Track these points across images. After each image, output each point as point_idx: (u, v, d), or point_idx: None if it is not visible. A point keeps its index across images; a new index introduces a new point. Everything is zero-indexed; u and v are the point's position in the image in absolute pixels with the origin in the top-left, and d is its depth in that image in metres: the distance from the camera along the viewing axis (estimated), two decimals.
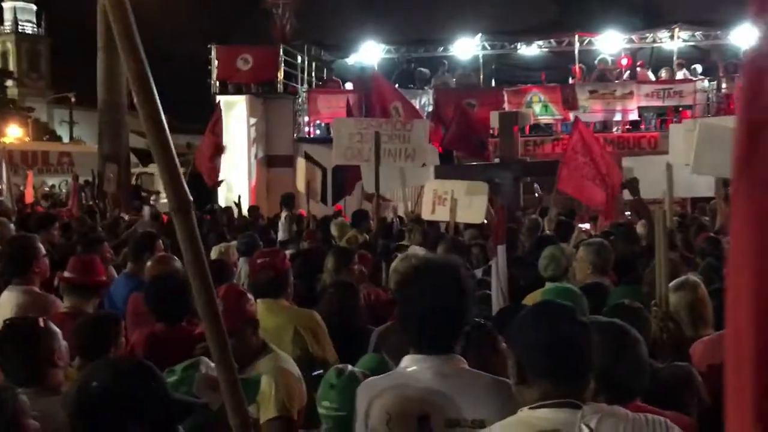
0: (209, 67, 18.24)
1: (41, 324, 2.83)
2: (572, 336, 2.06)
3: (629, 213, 10.45)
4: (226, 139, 13.02)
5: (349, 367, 2.72)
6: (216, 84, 18.10)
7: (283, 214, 10.68)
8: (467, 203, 7.91)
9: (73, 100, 45.53)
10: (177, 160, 1.54)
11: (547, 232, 8.23)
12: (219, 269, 5.27)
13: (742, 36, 17.92)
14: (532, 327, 2.11)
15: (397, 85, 17.05)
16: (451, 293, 2.34)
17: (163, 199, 19.93)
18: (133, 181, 17.68)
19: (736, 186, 1.28)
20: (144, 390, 2.00)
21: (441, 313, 2.31)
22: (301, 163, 12.68)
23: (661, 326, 3.59)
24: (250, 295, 3.26)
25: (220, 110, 12.63)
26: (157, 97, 1.47)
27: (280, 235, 9.81)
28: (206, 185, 15.57)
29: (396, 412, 2.21)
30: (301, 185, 11.89)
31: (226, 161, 12.90)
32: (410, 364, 2.35)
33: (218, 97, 16.69)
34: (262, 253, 4.37)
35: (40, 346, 2.77)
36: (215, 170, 12.05)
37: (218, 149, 12.10)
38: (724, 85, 17.22)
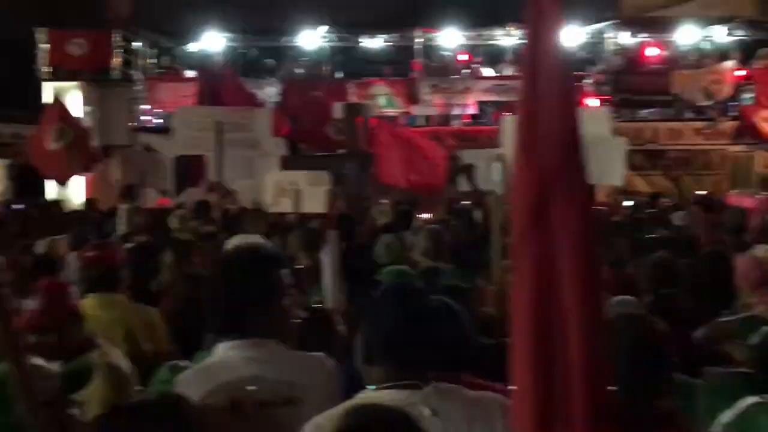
0: (34, 51, 17.05)
1: None
2: (418, 318, 2.11)
3: (468, 201, 10.91)
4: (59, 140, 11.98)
5: (183, 363, 2.70)
6: (45, 70, 16.96)
7: (123, 206, 10.19)
8: (310, 193, 7.95)
9: None
10: None
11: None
12: (45, 264, 4.98)
13: (569, 36, 19.13)
14: (379, 308, 2.16)
15: (243, 76, 16.79)
16: (252, 277, 2.35)
17: None
18: None
19: (518, 243, 1.39)
20: None
21: (242, 297, 2.32)
22: (123, 155, 12.07)
23: (496, 305, 3.79)
24: (73, 289, 3.12)
25: (63, 108, 10.99)
26: None
27: (120, 228, 9.37)
28: (36, 176, 14.54)
29: (210, 402, 2.20)
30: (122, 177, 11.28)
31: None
32: (221, 351, 2.35)
33: (45, 84, 15.67)
34: (93, 245, 4.19)
35: None
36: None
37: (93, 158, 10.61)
38: None
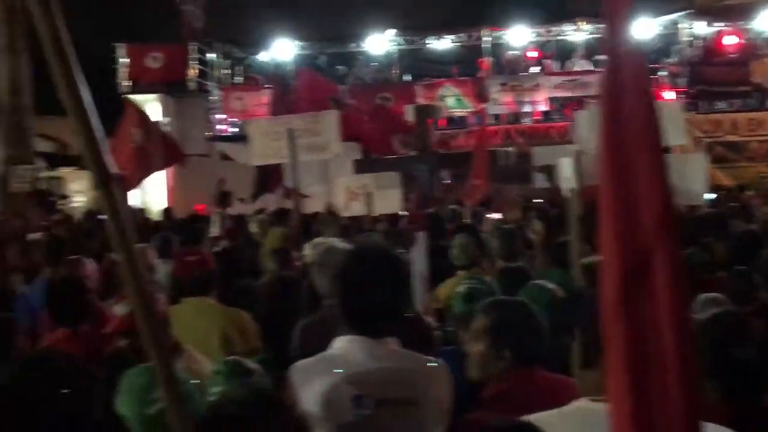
0: (115, 66, 17.72)
1: None
2: None
3: (540, 200, 10.81)
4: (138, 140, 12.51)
5: (238, 357, 2.81)
6: (125, 84, 17.61)
7: (217, 211, 10.50)
8: (381, 195, 8.00)
9: None
10: (96, 135, 1.52)
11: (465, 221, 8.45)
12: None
13: (642, 28, 18.72)
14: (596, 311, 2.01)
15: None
16: (391, 278, 2.38)
17: (73, 203, 19.21)
18: (41, 186, 16.96)
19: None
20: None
21: (382, 298, 2.35)
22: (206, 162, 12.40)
23: None
24: (160, 294, 3.23)
25: (138, 110, 11.60)
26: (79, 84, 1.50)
27: (213, 232, 9.67)
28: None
29: (329, 394, 2.24)
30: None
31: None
32: (342, 345, 2.38)
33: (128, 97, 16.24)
34: (188, 251, 4.34)
35: None
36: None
37: (176, 158, 11.25)
38: None
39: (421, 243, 4.07)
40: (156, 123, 11.09)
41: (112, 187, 1.54)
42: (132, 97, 16.77)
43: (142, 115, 11.07)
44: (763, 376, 2.52)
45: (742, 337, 2.60)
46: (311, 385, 2.25)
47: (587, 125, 10.05)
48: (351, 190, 8.65)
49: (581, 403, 1.93)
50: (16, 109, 14.21)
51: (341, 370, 2.29)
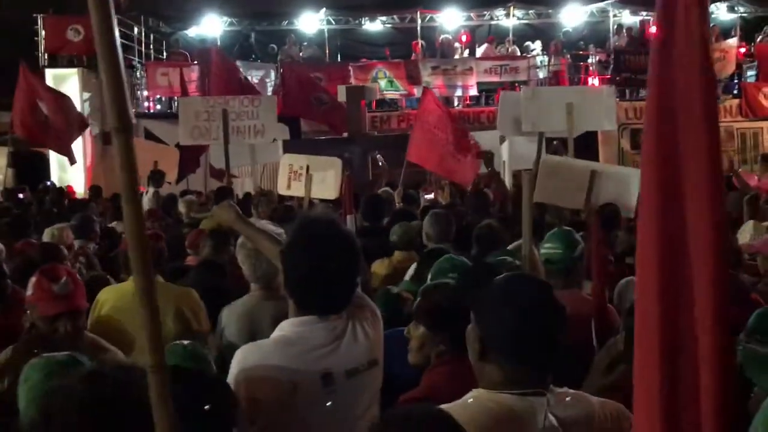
0: (35, 38, 16.91)
1: None
2: (544, 317, 1.88)
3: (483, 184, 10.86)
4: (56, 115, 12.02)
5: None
6: (45, 57, 16.83)
7: (150, 190, 10.11)
8: (321, 179, 7.87)
9: None
10: (124, 79, 1.47)
11: (398, 204, 8.40)
12: (51, 251, 4.95)
13: (571, 15, 19.10)
14: (502, 303, 1.91)
15: (238, 60, 16.68)
16: (343, 251, 2.28)
17: None
18: None
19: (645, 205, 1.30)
20: None
21: (335, 273, 2.25)
22: (140, 143, 12.09)
23: None
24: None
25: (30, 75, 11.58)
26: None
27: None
28: (39, 164, 14.47)
29: (299, 377, 2.17)
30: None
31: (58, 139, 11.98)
32: (298, 326, 2.28)
33: (47, 71, 15.61)
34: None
35: None
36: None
37: (82, 125, 11.36)
38: (553, 61, 18.26)
39: (351, 226, 4.01)
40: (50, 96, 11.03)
41: (130, 137, 1.47)
42: (51, 71, 16.16)
43: (37, 82, 11.13)
44: None
45: None
46: (276, 373, 2.15)
47: (509, 110, 10.09)
48: (293, 169, 8.47)
49: (479, 393, 1.91)
50: None
51: (307, 351, 2.22)
